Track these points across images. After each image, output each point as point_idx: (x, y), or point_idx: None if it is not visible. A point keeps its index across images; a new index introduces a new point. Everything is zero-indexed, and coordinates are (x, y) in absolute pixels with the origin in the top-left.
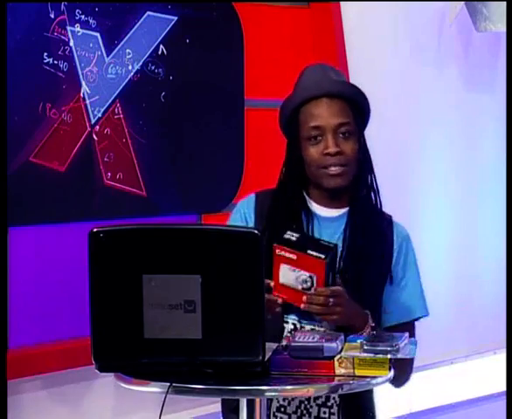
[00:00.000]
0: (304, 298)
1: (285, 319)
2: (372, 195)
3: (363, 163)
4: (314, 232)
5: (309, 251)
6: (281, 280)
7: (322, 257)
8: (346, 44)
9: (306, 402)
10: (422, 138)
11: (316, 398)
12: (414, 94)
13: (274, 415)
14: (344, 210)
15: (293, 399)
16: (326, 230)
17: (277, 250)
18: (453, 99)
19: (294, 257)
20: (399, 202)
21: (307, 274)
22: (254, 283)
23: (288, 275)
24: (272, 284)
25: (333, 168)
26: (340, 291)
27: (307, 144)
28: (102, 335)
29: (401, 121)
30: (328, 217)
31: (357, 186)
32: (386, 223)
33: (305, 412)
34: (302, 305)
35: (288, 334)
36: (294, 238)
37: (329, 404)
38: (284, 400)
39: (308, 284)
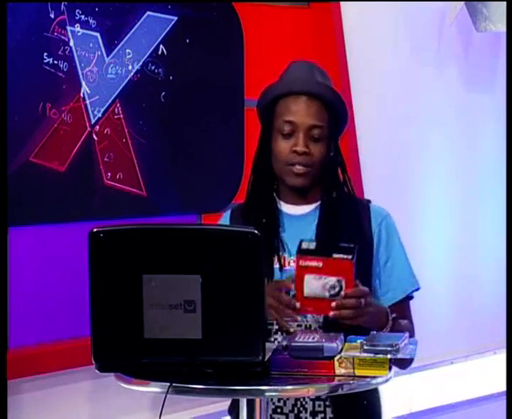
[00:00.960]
0: (333, 304)
1: (270, 321)
2: (345, 189)
3: (333, 165)
4: (285, 231)
5: (335, 255)
6: (306, 293)
7: (350, 257)
8: (346, 44)
9: (301, 399)
10: (422, 138)
11: None
12: (414, 94)
13: (271, 418)
14: (314, 206)
15: (288, 398)
16: (295, 227)
17: (300, 262)
18: (453, 99)
19: (319, 264)
20: (399, 202)
21: (335, 279)
22: (254, 283)
23: (314, 285)
24: (292, 287)
25: (298, 167)
26: (367, 291)
27: (278, 137)
28: (102, 335)
29: (401, 121)
30: (298, 215)
31: (327, 184)
32: (362, 207)
33: (301, 409)
34: (331, 313)
35: (275, 336)
36: (312, 247)
37: (323, 397)
38: (279, 400)
39: (337, 289)
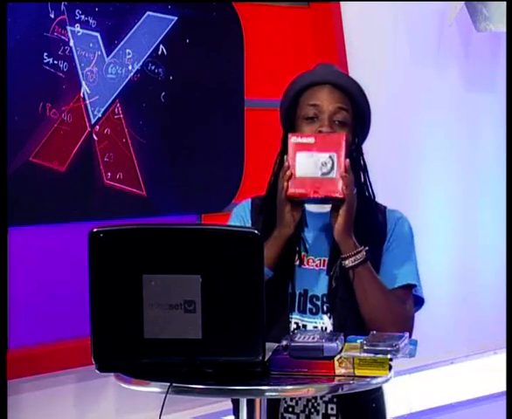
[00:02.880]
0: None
1: (289, 319)
2: (365, 188)
3: (354, 165)
4: (306, 229)
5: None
6: (298, 172)
7: (342, 132)
8: (346, 44)
9: (313, 401)
10: (422, 138)
11: (323, 395)
12: (414, 94)
13: (283, 416)
14: None
15: (300, 398)
16: (317, 225)
17: (292, 138)
18: (453, 99)
19: (311, 139)
20: (399, 202)
21: (327, 154)
22: (254, 283)
23: (306, 163)
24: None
25: None
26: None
27: (303, 123)
28: (102, 335)
29: (401, 121)
30: (320, 213)
31: None
32: (380, 212)
33: (313, 410)
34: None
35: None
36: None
37: (336, 400)
38: (291, 400)
39: (328, 166)
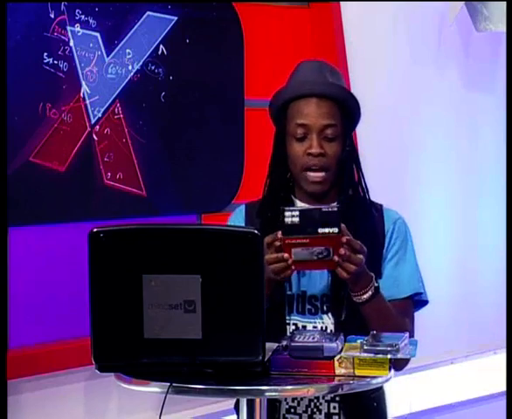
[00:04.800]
0: (342, 251)
1: (286, 321)
2: (360, 189)
3: (348, 162)
4: None
5: (320, 230)
6: (295, 258)
7: (336, 230)
8: (346, 44)
9: (315, 401)
10: (422, 138)
11: (325, 394)
12: (414, 94)
13: (285, 418)
14: None
15: (302, 399)
16: None
17: (286, 241)
18: (453, 99)
19: (306, 241)
20: (399, 202)
21: (323, 248)
22: (254, 283)
23: (302, 253)
24: (279, 235)
25: (313, 174)
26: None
27: (292, 140)
28: (102, 335)
29: (401, 121)
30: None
31: (344, 182)
32: (376, 210)
33: (315, 410)
34: (336, 258)
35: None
36: (296, 220)
37: (338, 399)
38: (293, 400)
39: (325, 254)
